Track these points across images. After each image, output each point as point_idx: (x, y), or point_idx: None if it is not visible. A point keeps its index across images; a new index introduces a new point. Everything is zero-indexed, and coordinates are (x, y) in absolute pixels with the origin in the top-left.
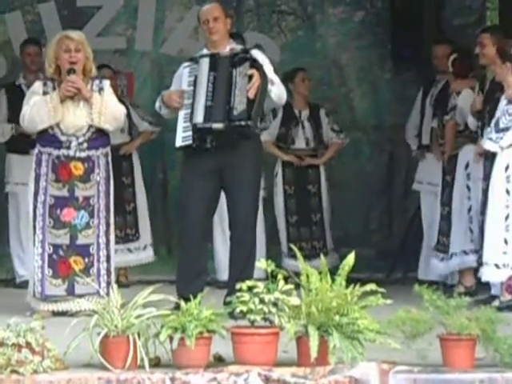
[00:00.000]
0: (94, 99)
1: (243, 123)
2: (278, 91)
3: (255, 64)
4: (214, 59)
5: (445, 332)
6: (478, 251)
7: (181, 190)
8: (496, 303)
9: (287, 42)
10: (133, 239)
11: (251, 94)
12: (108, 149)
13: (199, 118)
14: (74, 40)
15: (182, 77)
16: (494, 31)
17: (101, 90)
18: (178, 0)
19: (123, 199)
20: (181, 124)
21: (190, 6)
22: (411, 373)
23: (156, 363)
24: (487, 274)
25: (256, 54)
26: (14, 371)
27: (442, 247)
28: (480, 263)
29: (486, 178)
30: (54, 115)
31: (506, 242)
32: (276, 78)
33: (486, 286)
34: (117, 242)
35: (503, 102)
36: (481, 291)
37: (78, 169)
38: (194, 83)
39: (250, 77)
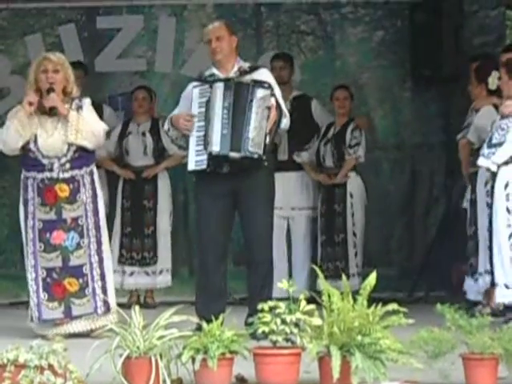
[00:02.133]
0: (71, 117)
1: (256, 156)
2: (287, 122)
3: (273, 94)
4: (230, 84)
5: (467, 351)
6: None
7: (197, 212)
8: None
9: (307, 61)
10: (150, 263)
11: (268, 129)
12: (92, 167)
13: (215, 146)
14: (51, 61)
15: (192, 97)
16: None
17: (79, 108)
18: (198, 21)
19: (142, 222)
20: (193, 147)
21: None
22: None
23: None
24: (498, 296)
25: (264, 73)
26: None
27: (473, 268)
28: (493, 284)
29: (489, 194)
30: (21, 129)
31: None
32: (285, 108)
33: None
34: (133, 264)
35: (497, 117)
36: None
37: (63, 191)
38: (206, 106)
39: (269, 108)
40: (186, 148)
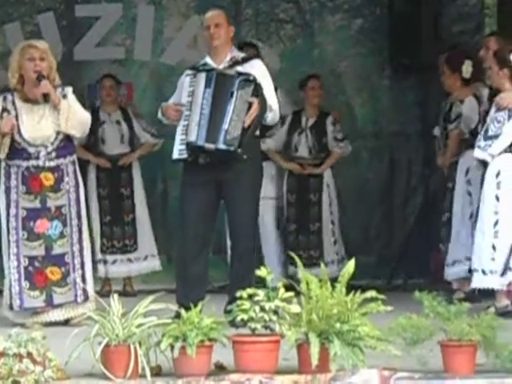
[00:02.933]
0: (62, 105)
1: (232, 149)
2: (274, 116)
3: (257, 89)
4: (211, 75)
5: (445, 338)
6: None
7: (180, 200)
8: (492, 309)
9: (286, 50)
10: (131, 250)
11: (247, 124)
12: (75, 156)
13: (192, 136)
14: (38, 49)
15: (184, 86)
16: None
17: (64, 96)
18: (177, 10)
19: (122, 210)
20: (178, 136)
21: (189, 16)
22: (412, 379)
23: (157, 372)
24: (475, 281)
25: (256, 65)
26: (15, 381)
27: (446, 253)
28: (470, 270)
29: (470, 183)
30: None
31: (494, 248)
32: (274, 103)
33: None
34: (115, 253)
35: (493, 109)
36: (483, 298)
37: (48, 179)
38: (192, 95)
39: (250, 103)
40: (157, 136)
